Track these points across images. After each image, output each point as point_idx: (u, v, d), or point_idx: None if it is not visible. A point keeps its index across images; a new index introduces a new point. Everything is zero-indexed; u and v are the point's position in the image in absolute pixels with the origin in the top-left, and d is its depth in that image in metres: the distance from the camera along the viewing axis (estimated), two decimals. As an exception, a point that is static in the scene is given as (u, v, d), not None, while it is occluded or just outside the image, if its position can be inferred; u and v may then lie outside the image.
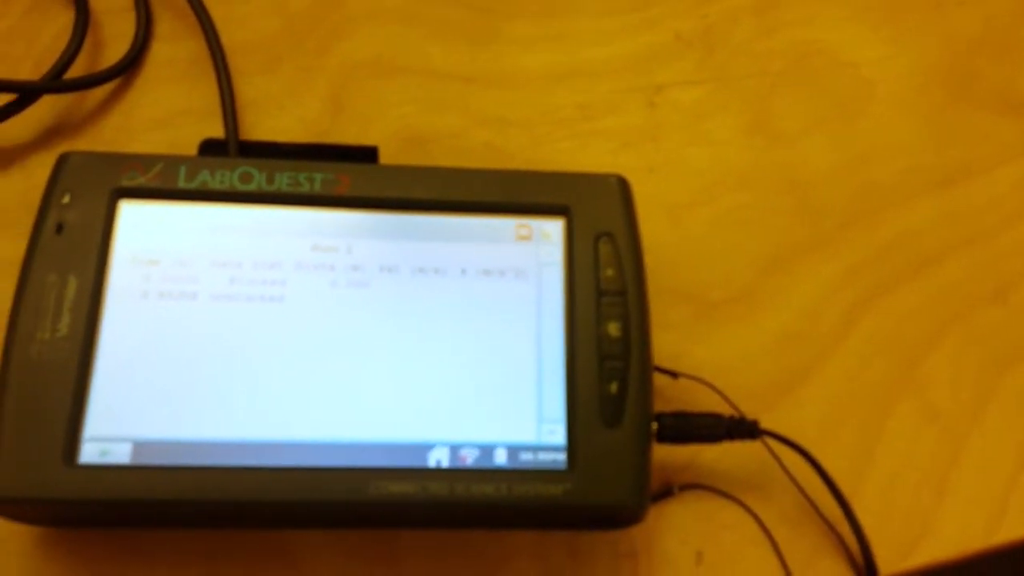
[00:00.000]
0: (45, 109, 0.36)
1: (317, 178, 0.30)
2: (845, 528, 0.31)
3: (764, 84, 0.39)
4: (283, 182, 0.30)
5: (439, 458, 0.28)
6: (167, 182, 0.30)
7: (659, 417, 0.30)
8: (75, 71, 0.36)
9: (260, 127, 0.36)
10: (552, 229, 0.31)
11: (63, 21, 0.37)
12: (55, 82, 0.35)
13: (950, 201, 0.38)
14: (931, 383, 0.34)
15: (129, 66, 0.36)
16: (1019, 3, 0.43)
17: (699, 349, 0.34)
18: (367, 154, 0.34)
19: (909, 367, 0.34)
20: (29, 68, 0.36)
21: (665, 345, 0.33)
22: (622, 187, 0.31)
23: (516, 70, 0.38)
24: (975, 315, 0.35)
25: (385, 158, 0.34)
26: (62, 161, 0.30)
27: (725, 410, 0.31)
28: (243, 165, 0.30)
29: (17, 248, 0.32)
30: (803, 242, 0.36)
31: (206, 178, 0.30)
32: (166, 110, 0.36)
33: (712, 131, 0.38)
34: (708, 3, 0.41)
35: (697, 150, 0.38)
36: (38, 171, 0.34)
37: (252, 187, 0.30)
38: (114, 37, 0.37)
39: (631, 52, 0.39)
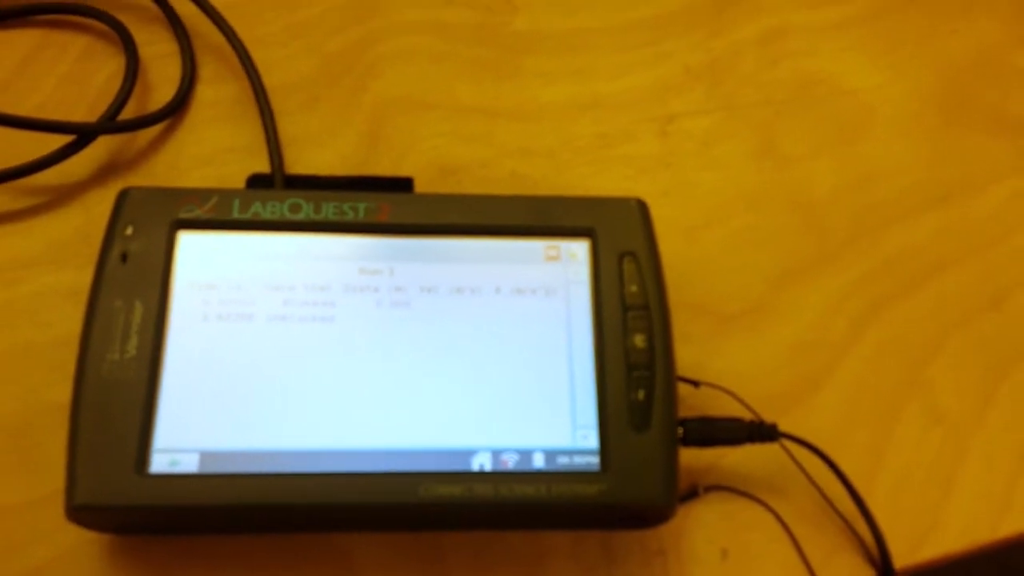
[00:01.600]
0: (100, 149, 0.38)
1: (360, 207, 0.33)
2: (860, 524, 0.33)
3: (769, 112, 0.42)
4: (329, 211, 0.33)
5: (482, 462, 0.30)
6: (222, 213, 0.32)
7: (684, 422, 0.32)
8: (127, 113, 0.39)
9: (302, 162, 0.39)
10: (578, 250, 0.33)
11: (113, 66, 0.40)
12: (110, 124, 0.37)
13: (948, 216, 0.40)
14: (936, 386, 0.36)
15: (177, 108, 0.39)
16: (1008, 30, 0.46)
17: (718, 359, 0.36)
18: (403, 184, 0.36)
19: (915, 372, 0.36)
20: (83, 110, 0.39)
21: (686, 356, 0.35)
22: (642, 209, 0.34)
23: (538, 103, 0.41)
24: (975, 322, 0.38)
25: (419, 187, 0.37)
26: (124, 196, 0.32)
27: (745, 416, 0.33)
28: (292, 197, 0.33)
29: (79, 277, 0.35)
30: (811, 258, 0.39)
31: (258, 209, 0.32)
32: (212, 148, 0.39)
33: (721, 157, 0.41)
34: (714, 38, 0.44)
35: (708, 174, 0.40)
36: (95, 207, 0.37)
37: (301, 216, 0.32)
38: (162, 81, 0.40)
39: (644, 84, 0.42)
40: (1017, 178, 0.42)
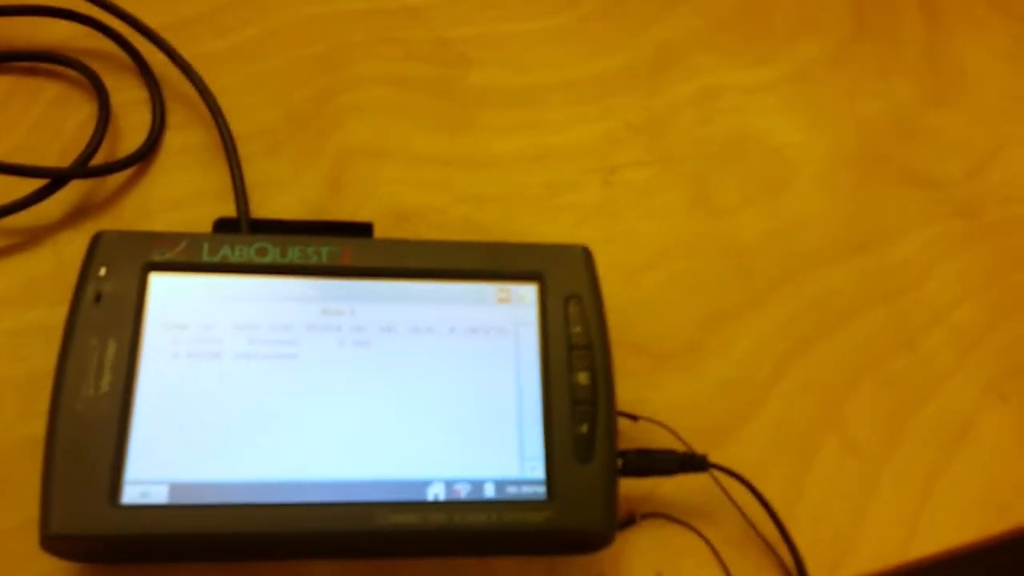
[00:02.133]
0: (72, 192, 0.40)
1: (324, 251, 0.35)
2: (782, 548, 0.36)
3: (703, 165, 0.45)
4: (294, 255, 0.35)
5: (436, 492, 0.32)
6: (192, 256, 0.34)
7: (623, 454, 0.34)
8: (98, 158, 0.40)
9: (266, 206, 0.41)
10: (527, 292, 0.36)
11: (85, 112, 0.42)
12: (82, 169, 0.39)
13: (864, 264, 0.44)
14: (852, 421, 0.40)
15: (146, 153, 0.41)
16: (920, 92, 0.50)
17: (655, 395, 0.39)
18: (363, 229, 0.39)
19: (833, 407, 0.40)
20: (56, 154, 0.41)
21: (625, 391, 0.38)
22: (586, 255, 0.36)
23: (490, 154, 0.44)
24: (888, 362, 0.41)
25: (378, 232, 0.39)
26: (98, 238, 0.34)
27: (678, 447, 0.36)
28: (259, 240, 0.35)
29: (51, 316, 0.37)
30: (740, 301, 0.42)
31: (227, 252, 0.35)
32: (180, 192, 0.41)
33: (659, 206, 0.44)
34: (653, 96, 0.47)
35: (647, 223, 0.43)
36: (67, 248, 0.38)
37: (267, 260, 0.35)
38: (132, 127, 0.42)
39: (589, 138, 0.45)
40: (926, 229, 0.45)
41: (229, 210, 0.40)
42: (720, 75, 0.48)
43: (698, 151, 0.46)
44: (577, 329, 0.35)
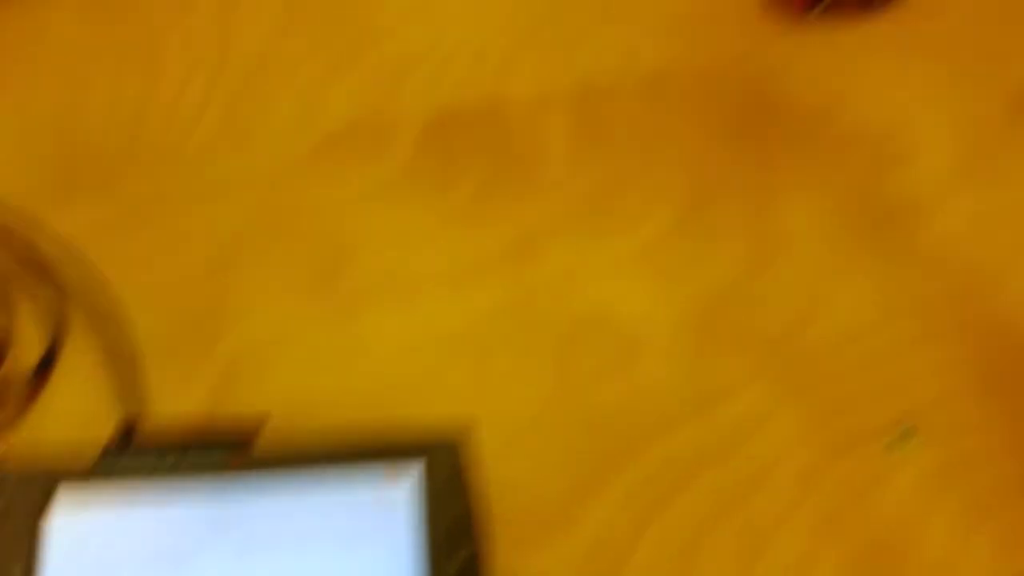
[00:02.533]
0: (-31, 409, 0.42)
1: (215, 459, 0.39)
2: None
3: (564, 341, 0.51)
4: (188, 464, 0.38)
5: None
6: (92, 474, 0.37)
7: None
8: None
9: (164, 411, 0.44)
10: (411, 476, 0.40)
11: (-16, 328, 0.44)
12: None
13: (702, 424, 0.49)
14: (706, 572, 0.45)
15: (43, 369, 0.44)
16: (754, 256, 0.57)
17: (531, 563, 0.43)
18: (253, 434, 0.42)
19: (687, 560, 0.45)
20: (-45, 372, 0.43)
21: (503, 563, 0.42)
22: (463, 440, 0.41)
23: (373, 343, 0.49)
24: (730, 516, 0.47)
25: (269, 431, 0.43)
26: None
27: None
28: (153, 452, 0.38)
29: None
30: (596, 472, 0.47)
31: (124, 466, 0.38)
32: (77, 406, 0.43)
33: (520, 384, 0.49)
34: (518, 279, 0.53)
35: (514, 400, 0.48)
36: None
37: (162, 470, 0.38)
38: (29, 342, 0.45)
39: (462, 322, 0.50)
40: (755, 385, 0.52)
41: (125, 422, 0.43)
42: (574, 256, 0.55)
43: (556, 328, 0.51)
44: (456, 510, 0.39)
